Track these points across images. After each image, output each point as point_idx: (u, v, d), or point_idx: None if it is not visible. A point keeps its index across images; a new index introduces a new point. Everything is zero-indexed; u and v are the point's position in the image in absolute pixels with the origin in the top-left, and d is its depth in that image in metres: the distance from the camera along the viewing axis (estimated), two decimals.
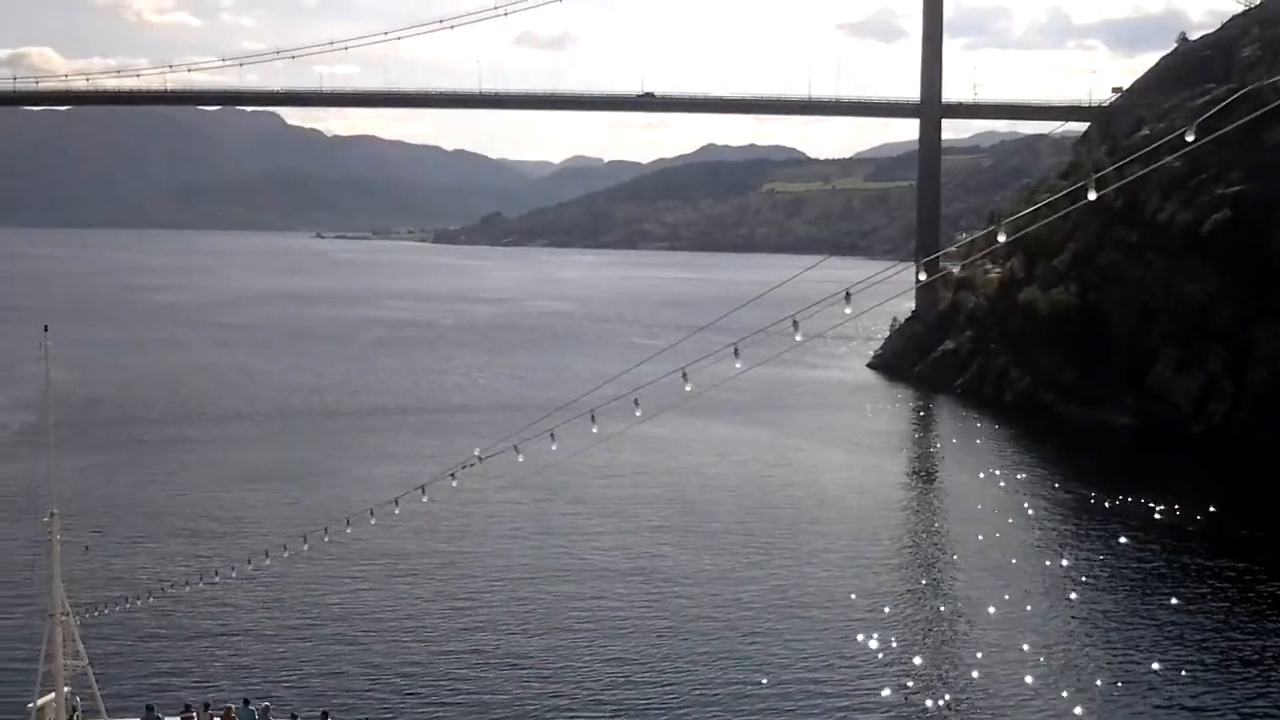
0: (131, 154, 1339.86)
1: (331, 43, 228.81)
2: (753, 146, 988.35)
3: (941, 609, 64.58)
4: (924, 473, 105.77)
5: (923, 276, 34.40)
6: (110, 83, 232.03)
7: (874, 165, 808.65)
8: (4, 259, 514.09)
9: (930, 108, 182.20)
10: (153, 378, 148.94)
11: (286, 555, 42.99)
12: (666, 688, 52.75)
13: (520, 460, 37.92)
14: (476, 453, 39.46)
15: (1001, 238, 28.19)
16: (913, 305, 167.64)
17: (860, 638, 58.55)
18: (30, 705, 34.57)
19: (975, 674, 54.83)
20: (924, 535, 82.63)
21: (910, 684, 53.48)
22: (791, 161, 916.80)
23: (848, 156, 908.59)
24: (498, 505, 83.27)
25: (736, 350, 29.62)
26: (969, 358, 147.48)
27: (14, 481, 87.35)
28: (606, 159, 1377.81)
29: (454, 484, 40.42)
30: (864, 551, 75.13)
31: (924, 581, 70.48)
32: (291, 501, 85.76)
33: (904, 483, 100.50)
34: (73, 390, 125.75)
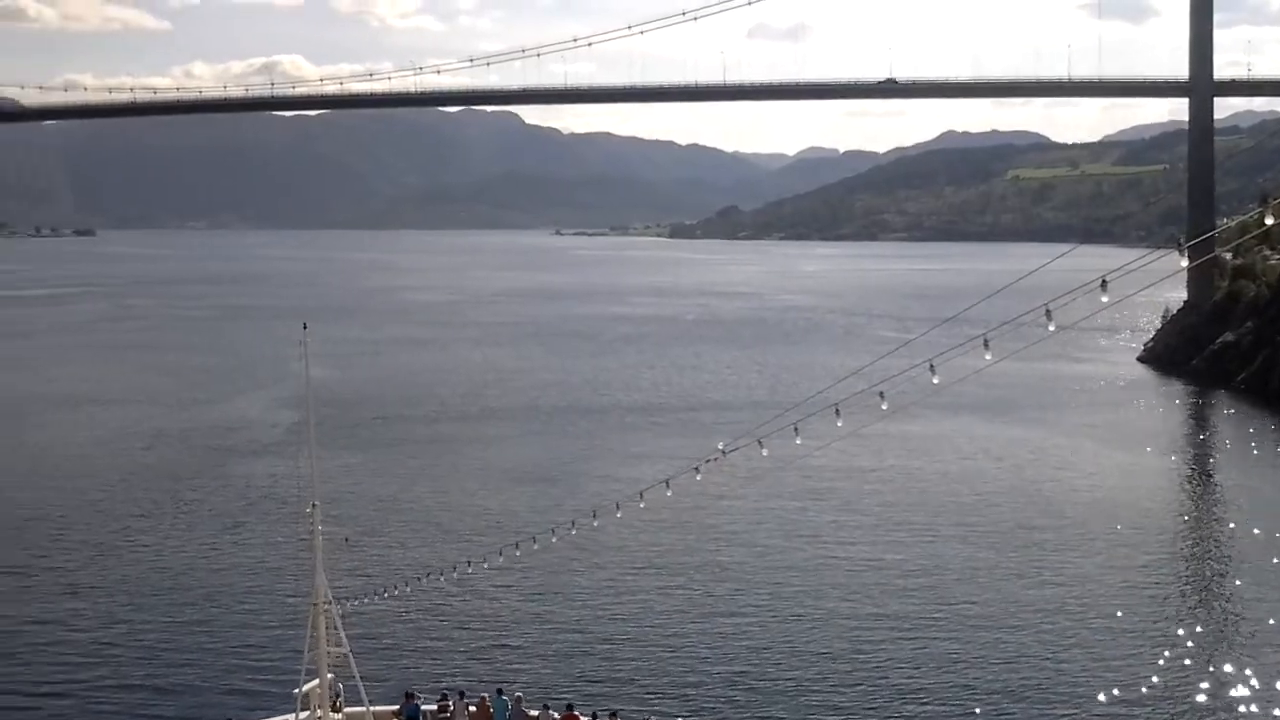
0: (378, 156, 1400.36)
1: (575, 39, 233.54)
2: (994, 133, 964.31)
3: (1235, 627, 60.27)
4: (1206, 475, 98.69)
5: (1184, 262, 31.99)
6: (359, 86, 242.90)
7: (1124, 149, 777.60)
8: (261, 260, 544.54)
9: (1201, 85, 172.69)
10: (407, 376, 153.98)
11: (536, 548, 43.51)
12: (935, 690, 51.13)
13: (764, 454, 37.25)
14: (720, 447, 39.01)
15: (1270, 220, 25.99)
16: (1183, 295, 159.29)
17: (1154, 650, 55.39)
18: (296, 691, 35.84)
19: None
20: (1210, 545, 76.64)
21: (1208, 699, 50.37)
22: (1036, 147, 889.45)
23: (1095, 140, 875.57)
24: (741, 500, 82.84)
25: (986, 342, 28.16)
26: (1251, 350, 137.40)
27: (281, 477, 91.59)
28: (842, 149, 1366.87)
29: (698, 478, 40.07)
30: (1143, 560, 70.74)
31: (1212, 594, 66.09)
32: (540, 496, 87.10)
33: (1185, 486, 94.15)
34: (332, 388, 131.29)
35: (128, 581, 66.76)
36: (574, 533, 43.52)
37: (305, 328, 36.70)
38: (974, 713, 48.70)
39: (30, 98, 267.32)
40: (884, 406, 32.47)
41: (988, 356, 28.34)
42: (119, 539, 75.50)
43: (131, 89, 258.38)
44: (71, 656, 56.21)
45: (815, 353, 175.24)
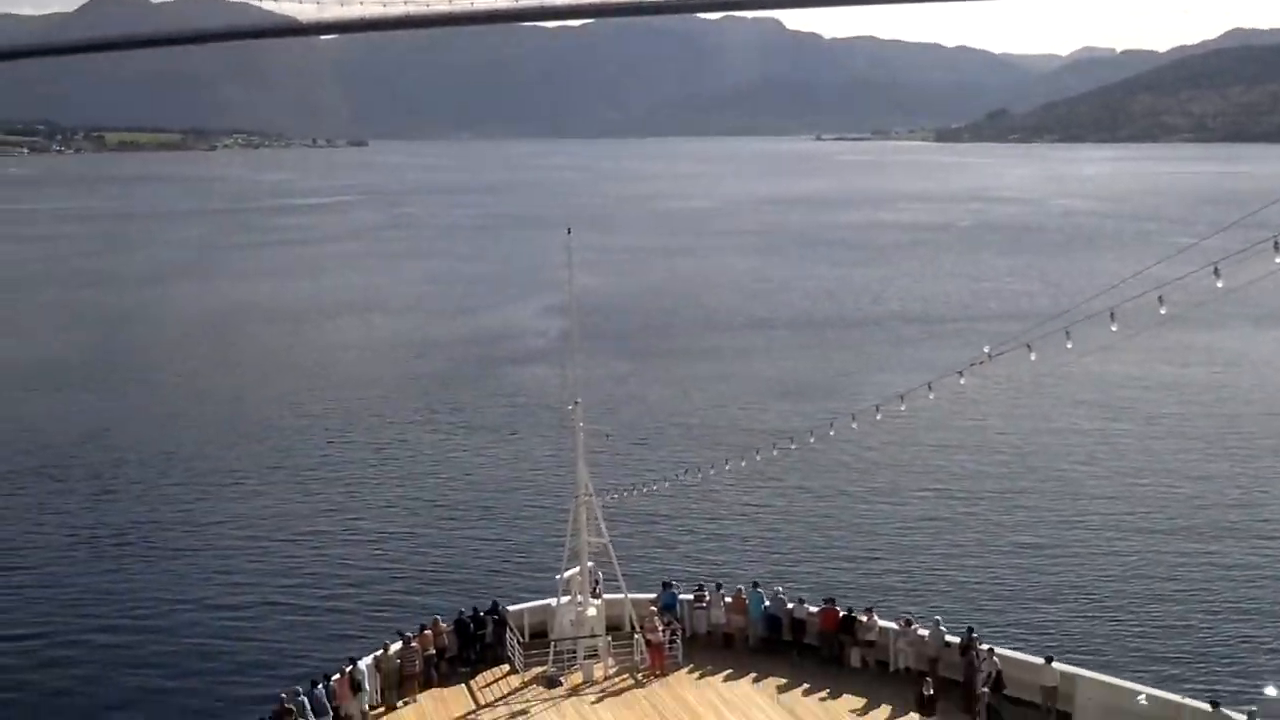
0: (637, 65, 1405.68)
1: None
2: None
3: None
4: None
5: None
6: None
7: None
8: (522, 170, 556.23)
9: None
10: (669, 284, 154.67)
11: (794, 447, 43.25)
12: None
13: (1032, 358, 35.84)
14: (986, 350, 37.71)
15: None
16: None
17: None
18: (559, 577, 37.11)
19: None
20: None
21: None
22: None
23: None
24: (1007, 405, 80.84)
25: (1277, 244, 26.12)
26: None
27: (547, 380, 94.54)
28: (1119, 48, 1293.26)
29: (961, 382, 38.97)
30: None
31: None
32: (799, 401, 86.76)
33: None
34: (596, 295, 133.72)
35: (405, 479, 70.24)
36: (832, 434, 43.07)
37: (569, 233, 37.32)
38: None
39: (307, 13, 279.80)
40: (1162, 311, 30.66)
41: (1278, 260, 26.30)
42: (397, 439, 79.39)
43: (405, 2, 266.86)
44: (354, 542, 59.86)
45: (1095, 259, 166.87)
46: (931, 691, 30.61)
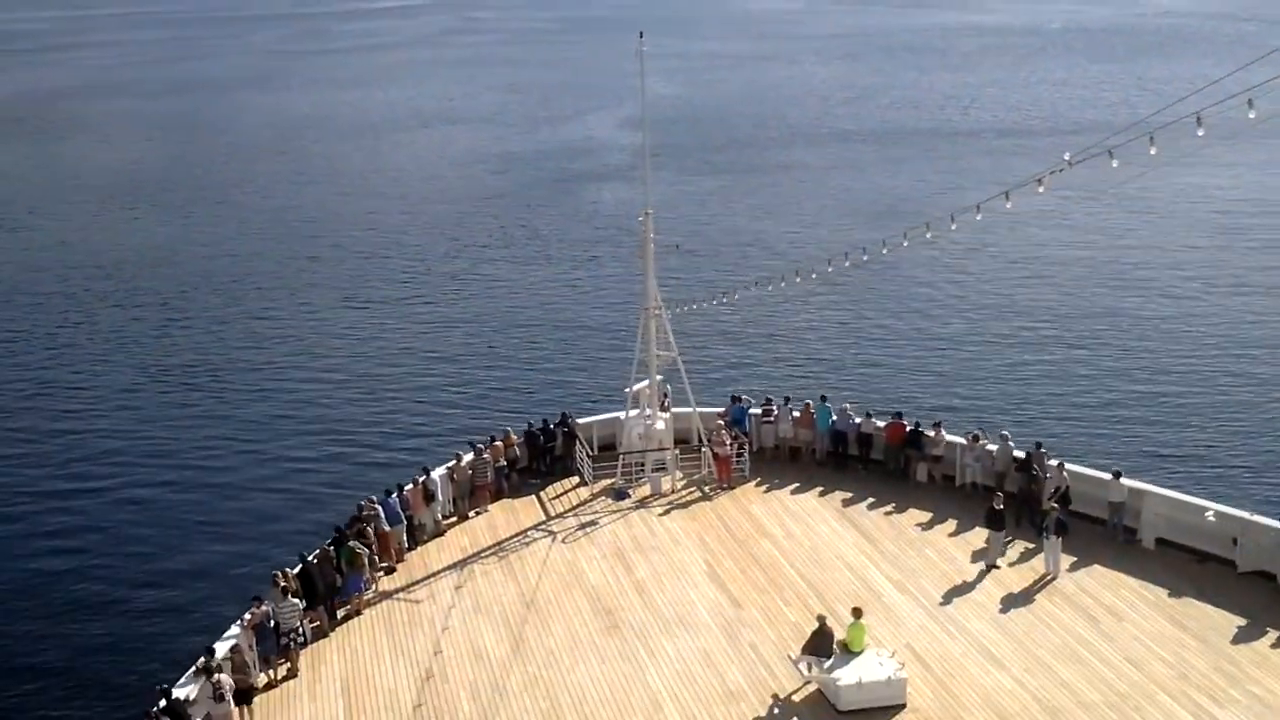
0: None
1: None
2: None
3: None
4: None
5: None
6: None
7: None
8: None
9: None
10: (748, 92, 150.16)
11: (865, 259, 42.81)
12: None
13: (1114, 166, 34.66)
14: (1066, 157, 36.52)
15: None
16: None
17: None
18: (628, 390, 37.29)
19: None
20: None
21: None
22: None
23: None
24: (1086, 215, 79.19)
25: None
26: None
27: (622, 194, 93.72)
28: None
29: (1040, 191, 37.91)
30: None
31: None
32: (875, 212, 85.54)
33: None
34: (670, 106, 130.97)
35: (478, 295, 70.80)
36: (905, 245, 42.45)
37: (641, 37, 36.11)
38: None
39: None
40: (1251, 115, 29.34)
41: None
42: (470, 255, 79.74)
43: None
44: (427, 357, 60.71)
45: (1190, 62, 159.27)
46: (1001, 506, 30.66)
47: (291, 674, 26.82)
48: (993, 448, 34.37)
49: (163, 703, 23.15)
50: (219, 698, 23.85)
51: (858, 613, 25.65)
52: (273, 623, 26.68)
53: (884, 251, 41.07)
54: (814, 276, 44.12)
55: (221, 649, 25.75)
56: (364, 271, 76.58)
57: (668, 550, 32.03)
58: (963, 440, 35.22)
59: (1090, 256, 72.75)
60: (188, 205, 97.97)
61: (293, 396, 56.04)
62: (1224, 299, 64.37)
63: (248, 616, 26.89)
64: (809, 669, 25.33)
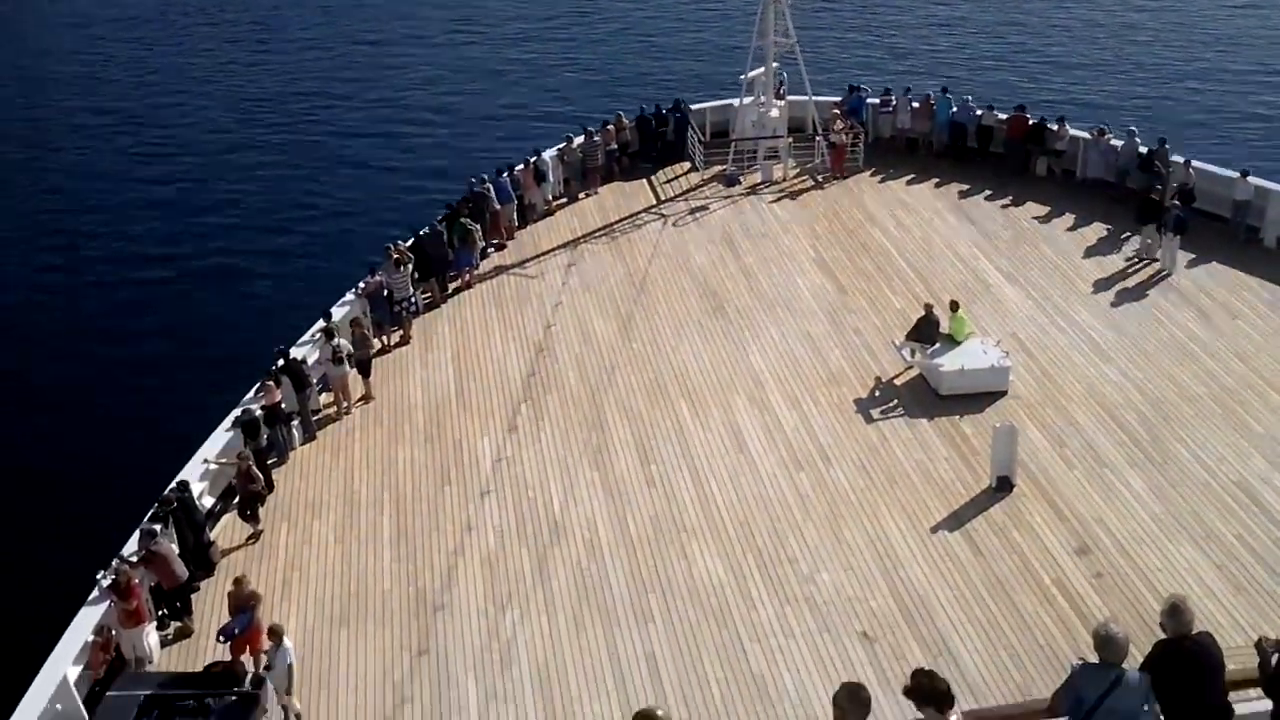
0: None
1: None
2: None
3: None
4: None
5: None
6: None
7: None
8: None
9: None
10: None
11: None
12: None
13: None
14: None
15: None
16: None
17: None
18: (743, 76, 36.33)
19: None
20: None
21: None
22: None
23: None
24: None
25: None
26: None
27: None
28: None
29: None
30: None
31: None
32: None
33: None
34: None
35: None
36: None
37: None
38: None
39: None
40: None
41: None
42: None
43: None
44: (539, 39, 59.61)
45: None
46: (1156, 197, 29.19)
47: (404, 341, 27.74)
48: (1118, 143, 33.22)
49: (280, 362, 24.14)
50: (337, 360, 24.79)
51: (955, 305, 25.52)
52: (386, 292, 27.42)
53: None
54: None
55: (338, 314, 26.63)
56: None
57: (776, 237, 31.94)
58: (1087, 134, 34.06)
59: None
60: None
61: (406, 75, 55.87)
62: None
63: (362, 285, 27.66)
64: (912, 354, 25.50)
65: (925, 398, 24.48)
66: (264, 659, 17.18)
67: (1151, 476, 21.70)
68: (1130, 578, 19.28)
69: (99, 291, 37.91)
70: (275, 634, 16.94)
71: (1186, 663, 9.57)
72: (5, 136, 51.06)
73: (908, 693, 8.82)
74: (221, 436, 22.80)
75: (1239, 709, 9.76)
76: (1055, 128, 34.60)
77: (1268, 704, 9.81)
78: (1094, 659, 9.35)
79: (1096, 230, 31.35)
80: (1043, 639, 18.11)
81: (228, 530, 21.62)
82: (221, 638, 17.76)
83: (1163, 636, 9.81)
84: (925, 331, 25.30)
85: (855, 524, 20.87)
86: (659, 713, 8.41)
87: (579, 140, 35.57)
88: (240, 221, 42.47)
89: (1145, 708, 9.30)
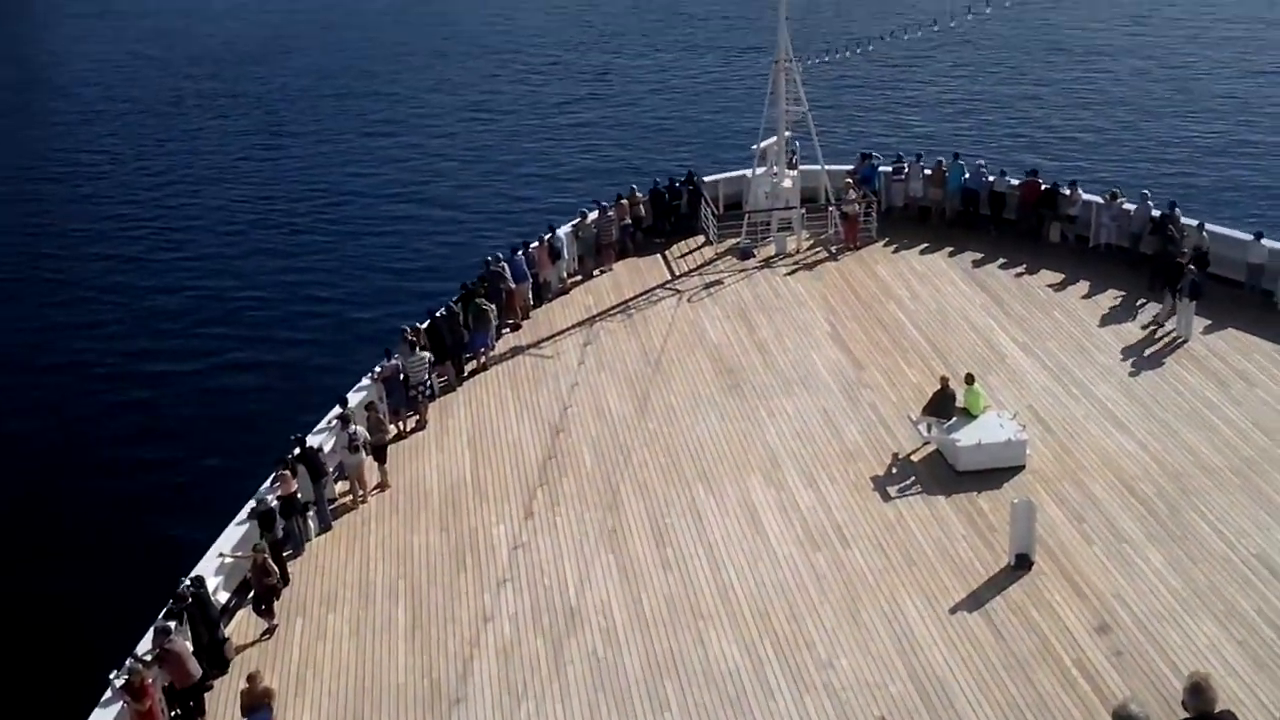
0: None
1: None
2: None
3: None
4: None
5: None
6: None
7: None
8: None
9: None
10: None
11: (1008, 6, 40.91)
12: None
13: None
14: None
15: None
16: None
17: None
18: (755, 146, 36.54)
19: None
20: None
21: None
22: None
23: None
24: None
25: None
26: None
27: None
28: None
29: None
30: None
31: None
32: None
33: None
34: None
35: (602, 55, 69.37)
36: None
37: None
38: None
39: None
40: None
41: None
42: (596, 11, 77.98)
43: None
44: (551, 110, 60.19)
45: None
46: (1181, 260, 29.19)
47: (420, 426, 27.82)
48: (1130, 206, 33.21)
49: (296, 450, 24.23)
50: (354, 448, 24.86)
51: (970, 379, 25.43)
52: (402, 376, 27.53)
53: (1007, 5, 39.11)
54: (953, 24, 42.30)
55: (354, 399, 26.74)
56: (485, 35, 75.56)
57: (791, 310, 31.99)
58: (1099, 199, 34.07)
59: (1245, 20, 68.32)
60: None
61: (420, 154, 56.42)
62: None
63: (378, 370, 27.78)
64: (928, 429, 25.40)
65: (942, 474, 24.36)
66: None
67: (1171, 551, 21.49)
68: (1151, 656, 19.05)
69: (110, 383, 38.07)
70: None
71: None
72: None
73: None
74: (237, 529, 22.86)
75: None
76: (1068, 192, 34.64)
77: None
78: None
79: (1111, 297, 31.27)
80: None
81: (241, 626, 21.63)
82: None
83: (1185, 716, 9.65)
84: (941, 406, 25.20)
85: (873, 605, 20.71)
86: None
87: (593, 216, 35.75)
88: (253, 307, 42.84)
89: None
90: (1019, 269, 33.32)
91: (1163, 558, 21.30)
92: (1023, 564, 21.34)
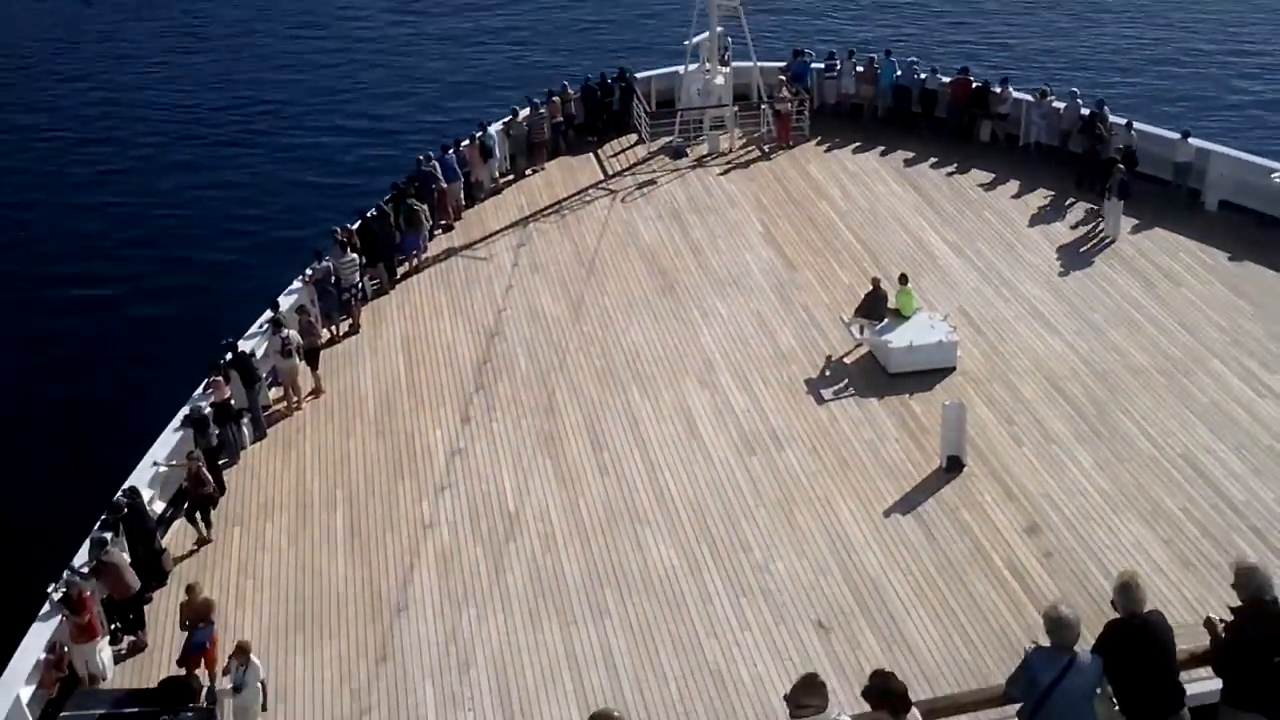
0: None
1: None
2: None
3: None
4: None
5: None
6: None
7: None
8: None
9: None
10: None
11: None
12: None
13: None
14: None
15: None
16: None
17: None
18: (687, 42, 35.69)
19: None
20: None
21: None
22: None
23: None
24: None
25: None
26: None
27: None
28: None
29: None
30: None
31: None
32: None
33: None
34: None
35: None
36: None
37: None
38: None
39: None
40: None
41: None
42: None
43: None
44: (482, 8, 58.71)
45: None
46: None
47: (353, 330, 27.55)
48: (1060, 105, 33.32)
49: (229, 355, 23.91)
50: (286, 353, 24.56)
51: (904, 279, 25.62)
52: (334, 279, 27.15)
53: None
54: None
55: (285, 303, 26.36)
56: None
57: (724, 210, 31.89)
58: (1029, 97, 34.15)
59: None
60: None
61: (346, 59, 54.99)
62: None
63: (309, 272, 27.36)
64: (861, 331, 25.60)
65: (875, 376, 24.62)
66: (220, 673, 17.11)
67: (1099, 451, 21.98)
68: (1080, 556, 19.57)
69: (38, 290, 36.99)
70: (243, 651, 16.83)
71: (1138, 643, 9.59)
72: None
73: (865, 694, 8.98)
74: (171, 436, 22.59)
75: (1189, 689, 9.86)
76: (999, 90, 34.68)
77: (1218, 683, 9.93)
78: (1046, 642, 9.44)
79: (1040, 196, 31.53)
80: (995, 623, 18.36)
81: (178, 536, 21.49)
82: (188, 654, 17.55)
83: (1114, 615, 9.87)
84: (873, 307, 25.39)
85: (808, 509, 21.02)
86: (615, 714, 8.54)
87: (525, 113, 35.17)
88: (181, 208, 41.74)
89: (1098, 690, 9.44)
90: (950, 168, 33.42)
91: (1091, 458, 21.78)
92: (954, 466, 21.73)
